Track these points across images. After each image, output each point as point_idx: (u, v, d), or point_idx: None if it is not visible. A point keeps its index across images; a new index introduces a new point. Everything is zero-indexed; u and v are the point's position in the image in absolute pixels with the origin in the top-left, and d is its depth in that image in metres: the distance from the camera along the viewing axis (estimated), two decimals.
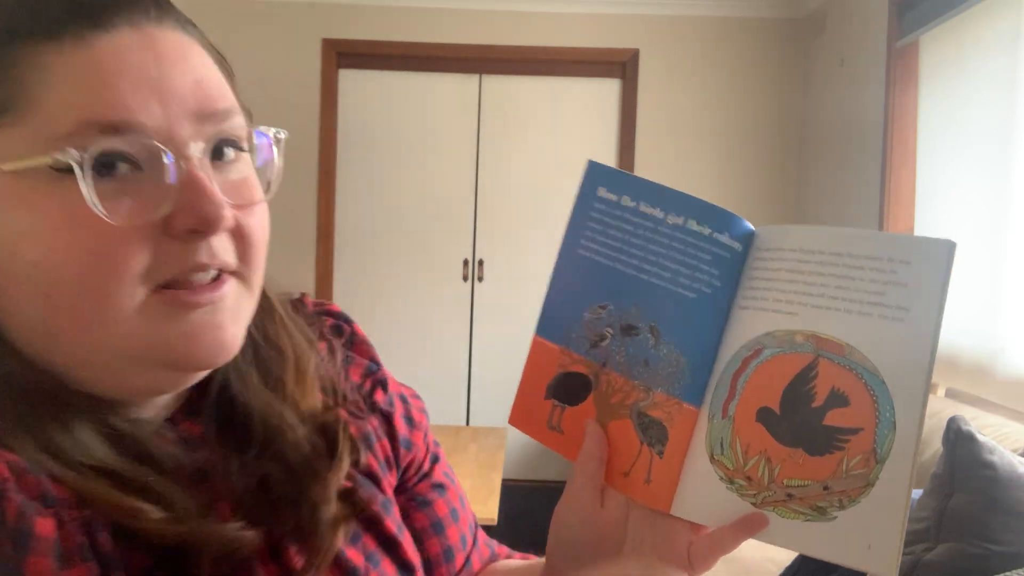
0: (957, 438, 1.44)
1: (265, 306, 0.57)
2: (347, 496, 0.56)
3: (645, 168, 4.11)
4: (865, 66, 3.31)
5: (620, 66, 4.13)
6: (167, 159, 0.46)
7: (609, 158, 4.15)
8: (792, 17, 4.06)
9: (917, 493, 1.55)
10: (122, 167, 0.45)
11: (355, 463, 0.59)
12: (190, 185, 0.46)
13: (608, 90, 4.16)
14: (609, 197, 0.59)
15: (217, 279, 0.49)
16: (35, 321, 0.47)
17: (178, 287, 0.47)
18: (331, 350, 0.64)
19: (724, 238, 0.55)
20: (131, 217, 0.45)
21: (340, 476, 0.55)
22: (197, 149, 0.47)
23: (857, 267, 0.51)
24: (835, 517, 0.50)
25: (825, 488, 0.50)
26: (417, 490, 0.67)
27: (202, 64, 0.50)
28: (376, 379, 0.66)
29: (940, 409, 2.28)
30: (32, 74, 0.44)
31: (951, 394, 2.54)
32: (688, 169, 4.10)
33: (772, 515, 0.52)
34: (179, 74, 0.47)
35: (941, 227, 2.80)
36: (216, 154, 0.50)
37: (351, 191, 4.14)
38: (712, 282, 0.55)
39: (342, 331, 0.67)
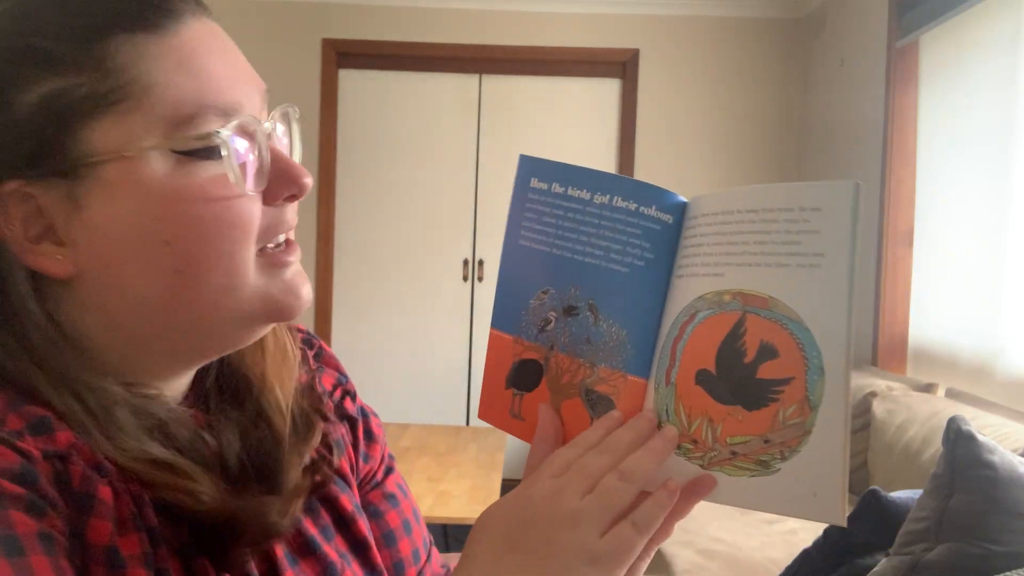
0: (957, 438, 1.44)
1: None
2: (314, 468, 0.59)
3: (645, 168, 4.12)
4: (865, 66, 3.31)
5: (620, 66, 4.13)
6: (260, 136, 0.51)
7: (609, 158, 4.15)
8: (792, 17, 4.06)
9: (917, 493, 1.55)
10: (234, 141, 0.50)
11: (327, 446, 0.62)
12: (280, 157, 0.52)
13: (608, 90, 4.16)
14: (541, 186, 0.60)
15: (290, 242, 0.55)
16: (148, 299, 0.49)
17: (272, 249, 0.53)
18: (305, 358, 0.66)
19: (651, 211, 0.56)
20: (252, 188, 0.50)
21: (312, 446, 0.59)
22: (275, 126, 0.53)
23: (772, 220, 0.52)
24: (778, 469, 0.50)
25: (766, 441, 0.51)
26: (369, 498, 0.68)
27: None
28: (345, 389, 0.69)
29: (940, 409, 2.28)
30: (136, 64, 0.47)
31: (951, 394, 2.54)
32: (688, 169, 4.10)
33: (720, 475, 0.53)
34: (243, 60, 0.53)
35: (941, 227, 2.80)
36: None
37: (351, 191, 4.14)
38: (644, 255, 0.57)
39: (312, 345, 0.69)
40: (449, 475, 2.62)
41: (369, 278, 4.18)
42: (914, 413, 2.33)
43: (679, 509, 0.54)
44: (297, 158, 0.57)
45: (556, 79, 4.14)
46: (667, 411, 0.55)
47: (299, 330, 0.69)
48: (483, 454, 2.88)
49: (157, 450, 0.49)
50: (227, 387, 0.59)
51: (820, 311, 0.50)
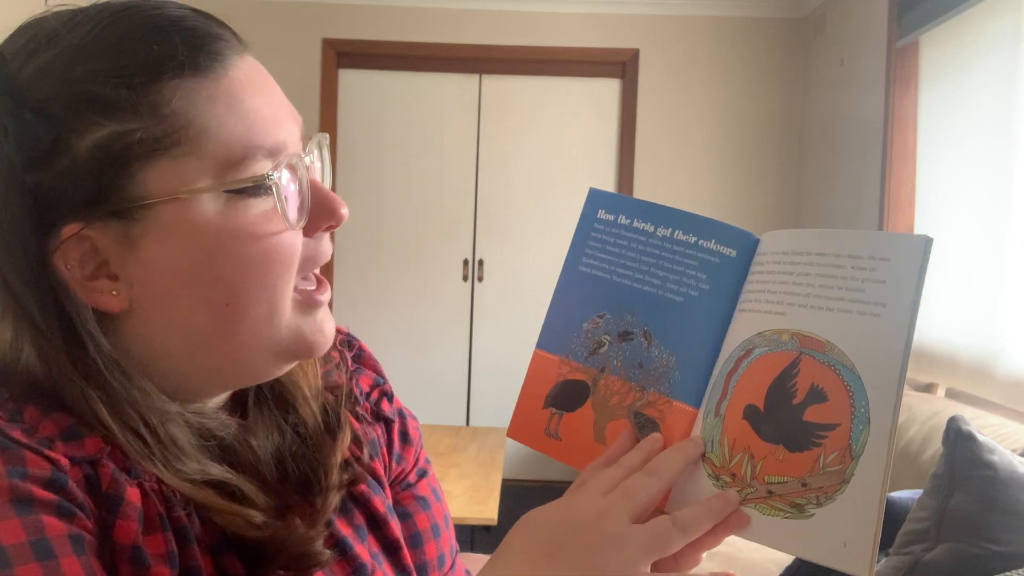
0: (957, 438, 1.44)
1: None
2: (346, 467, 0.61)
3: (645, 168, 4.11)
4: (865, 66, 3.31)
5: (620, 66, 4.13)
6: (301, 171, 0.53)
7: (609, 158, 4.15)
8: (792, 17, 4.06)
9: (917, 493, 1.55)
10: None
11: (358, 445, 0.64)
12: (319, 189, 0.55)
13: (608, 90, 4.16)
14: (607, 218, 0.64)
15: (320, 280, 0.57)
16: (195, 329, 0.52)
17: (305, 286, 0.55)
18: (342, 359, 0.68)
19: (710, 244, 0.59)
20: (298, 222, 0.52)
21: (344, 446, 0.61)
22: (312, 159, 0.55)
23: (839, 265, 0.53)
24: (812, 515, 0.50)
25: (803, 485, 0.51)
26: (399, 499, 0.68)
27: None
28: (383, 390, 0.70)
29: (940, 409, 2.28)
30: (189, 108, 0.49)
31: (951, 394, 2.54)
32: (688, 169, 4.10)
33: (753, 512, 0.52)
34: (282, 95, 0.55)
35: (941, 227, 2.80)
36: None
37: (351, 191, 4.14)
38: (699, 286, 0.59)
39: (351, 346, 0.71)
40: (449, 475, 2.62)
41: (369, 278, 4.18)
42: (914, 413, 2.33)
43: (709, 541, 0.54)
44: (328, 183, 0.59)
45: (556, 79, 4.14)
46: (712, 442, 0.55)
47: (338, 330, 0.70)
48: (483, 454, 2.88)
49: (215, 469, 0.51)
50: (260, 392, 0.61)
51: (874, 361, 0.50)
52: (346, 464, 0.61)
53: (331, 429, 0.61)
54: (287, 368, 0.57)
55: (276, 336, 0.53)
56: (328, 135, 0.60)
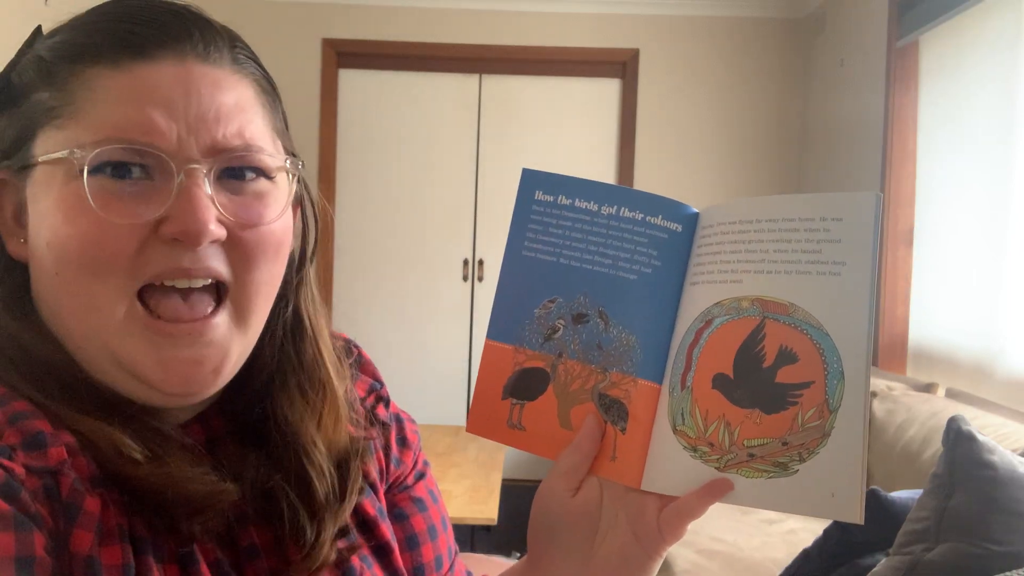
0: (957, 438, 1.44)
1: (307, 331, 0.63)
2: (344, 533, 0.59)
3: (645, 168, 4.11)
4: (865, 66, 3.31)
5: (620, 66, 4.13)
6: (170, 172, 0.52)
7: (609, 158, 4.15)
8: (792, 17, 4.06)
9: (917, 493, 1.55)
10: (135, 171, 0.52)
11: (361, 490, 0.62)
12: (184, 197, 0.52)
13: (608, 90, 4.16)
14: (546, 199, 0.62)
15: (212, 312, 0.53)
16: (49, 301, 0.54)
17: (167, 318, 0.52)
18: (341, 364, 0.67)
19: (658, 220, 0.59)
20: (125, 213, 0.51)
21: (347, 512, 0.59)
22: (202, 168, 0.52)
23: (792, 229, 0.54)
24: (797, 470, 0.52)
25: (784, 444, 0.52)
26: (396, 501, 0.69)
27: (234, 101, 0.54)
28: (379, 395, 0.70)
29: (940, 409, 2.28)
30: (82, 90, 0.52)
31: (951, 394, 2.54)
32: (688, 169, 4.10)
33: (737, 477, 0.53)
34: (204, 108, 0.53)
35: (941, 227, 2.80)
36: (236, 174, 0.55)
37: (351, 191, 4.14)
38: (652, 262, 0.59)
39: (350, 352, 0.71)
40: (449, 475, 2.61)
41: (369, 278, 4.17)
42: (914, 413, 2.33)
43: (694, 510, 0.55)
44: (269, 208, 0.55)
45: (556, 79, 4.14)
46: (682, 415, 0.56)
47: (339, 337, 0.70)
48: (483, 454, 2.88)
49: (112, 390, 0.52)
50: (251, 431, 0.59)
51: (841, 317, 0.52)
52: (345, 530, 0.59)
53: (335, 489, 0.59)
54: (155, 399, 0.53)
55: (110, 341, 0.52)
56: (302, 161, 0.59)
